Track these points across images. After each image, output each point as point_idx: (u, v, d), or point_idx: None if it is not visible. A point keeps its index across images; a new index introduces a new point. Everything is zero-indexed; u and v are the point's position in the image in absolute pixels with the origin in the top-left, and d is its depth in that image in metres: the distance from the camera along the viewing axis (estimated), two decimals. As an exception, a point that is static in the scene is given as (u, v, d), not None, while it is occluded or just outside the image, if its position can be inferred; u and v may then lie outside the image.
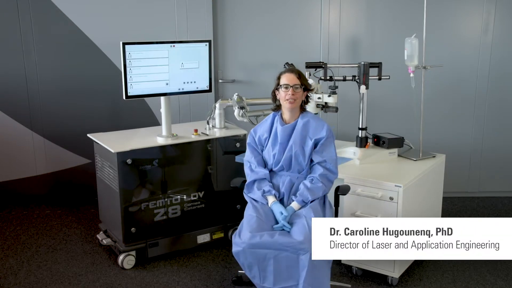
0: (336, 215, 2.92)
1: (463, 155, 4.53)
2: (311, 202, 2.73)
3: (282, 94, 2.79)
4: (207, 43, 3.44)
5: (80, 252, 3.58)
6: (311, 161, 2.82)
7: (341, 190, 2.87)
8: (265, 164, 2.90)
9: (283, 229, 2.64)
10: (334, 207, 2.91)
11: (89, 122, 4.37)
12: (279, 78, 2.83)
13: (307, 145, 2.79)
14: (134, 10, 4.25)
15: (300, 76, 2.80)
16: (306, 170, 2.82)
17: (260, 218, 2.67)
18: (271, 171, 2.89)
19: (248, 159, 2.92)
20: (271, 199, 2.79)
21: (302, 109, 2.88)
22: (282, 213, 2.68)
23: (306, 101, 2.88)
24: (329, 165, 2.77)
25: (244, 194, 2.91)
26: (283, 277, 2.57)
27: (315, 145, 2.80)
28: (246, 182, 2.90)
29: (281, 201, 2.83)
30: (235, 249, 2.61)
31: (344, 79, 3.49)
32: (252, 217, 2.68)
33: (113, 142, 3.33)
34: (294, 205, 2.74)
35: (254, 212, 2.72)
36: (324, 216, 2.72)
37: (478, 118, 4.47)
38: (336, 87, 3.39)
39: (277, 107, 2.90)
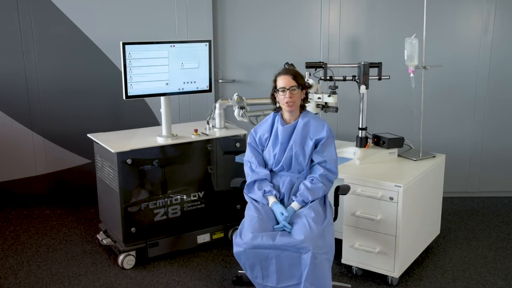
0: (336, 215, 2.92)
1: (463, 155, 4.53)
2: (311, 202, 2.74)
3: (280, 97, 2.78)
4: (207, 43, 3.44)
5: (80, 252, 3.58)
6: (311, 161, 2.82)
7: (341, 190, 2.87)
8: (265, 164, 2.90)
9: (284, 230, 2.64)
10: (334, 207, 2.91)
11: (89, 122, 4.37)
12: (275, 81, 2.82)
13: (308, 145, 2.79)
14: (134, 10, 4.25)
15: (296, 76, 2.77)
16: (306, 170, 2.81)
17: (261, 219, 2.67)
18: (271, 171, 2.89)
19: (248, 159, 2.92)
20: (271, 200, 2.79)
21: (302, 108, 2.87)
22: (282, 214, 2.68)
23: (306, 99, 2.87)
24: (329, 165, 2.77)
25: (244, 194, 2.91)
26: (286, 276, 2.58)
27: (316, 145, 2.80)
28: (247, 182, 2.90)
29: (281, 201, 2.83)
30: (236, 249, 2.61)
31: (344, 79, 3.49)
32: (253, 218, 2.69)
33: (113, 142, 3.33)
34: (295, 205, 2.74)
35: (256, 212, 2.72)
36: (325, 215, 2.72)
37: (478, 118, 4.47)
38: (336, 87, 3.39)
39: (278, 108, 2.90)
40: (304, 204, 2.74)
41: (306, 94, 2.87)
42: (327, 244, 2.60)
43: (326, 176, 2.77)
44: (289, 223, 2.65)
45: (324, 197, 2.84)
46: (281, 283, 2.59)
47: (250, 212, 2.75)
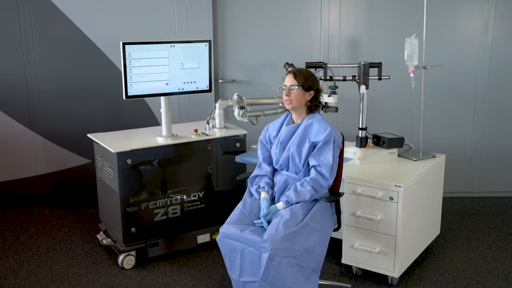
0: (339, 224, 2.88)
1: (463, 155, 4.53)
2: (296, 204, 2.71)
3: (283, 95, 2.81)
4: (207, 43, 3.44)
5: (80, 252, 3.58)
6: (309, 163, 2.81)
7: (329, 197, 2.79)
8: (271, 161, 2.93)
9: (263, 226, 2.69)
10: (336, 215, 2.87)
11: (89, 122, 4.37)
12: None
13: (305, 147, 2.77)
14: (134, 10, 4.25)
15: (296, 75, 2.75)
16: (303, 172, 2.80)
17: (243, 212, 2.76)
18: (276, 169, 2.92)
19: (258, 154, 2.99)
20: (262, 195, 2.83)
21: (311, 110, 2.83)
22: (263, 210, 2.72)
23: (314, 101, 2.82)
24: (323, 170, 2.72)
25: (248, 188, 2.98)
26: (247, 271, 2.62)
27: (314, 147, 2.78)
28: (250, 176, 2.95)
29: (274, 199, 2.85)
30: (217, 237, 2.72)
31: (344, 79, 3.49)
32: (237, 209, 2.79)
33: (113, 142, 3.33)
34: (279, 204, 2.75)
35: (241, 205, 2.82)
36: (301, 220, 2.64)
37: (478, 118, 4.47)
38: (336, 87, 3.39)
39: None
40: (289, 204, 2.73)
41: (316, 96, 2.82)
42: (299, 249, 2.56)
43: (318, 180, 2.72)
44: (269, 221, 2.68)
45: (315, 203, 2.75)
46: (242, 277, 2.64)
47: (239, 204, 2.84)
